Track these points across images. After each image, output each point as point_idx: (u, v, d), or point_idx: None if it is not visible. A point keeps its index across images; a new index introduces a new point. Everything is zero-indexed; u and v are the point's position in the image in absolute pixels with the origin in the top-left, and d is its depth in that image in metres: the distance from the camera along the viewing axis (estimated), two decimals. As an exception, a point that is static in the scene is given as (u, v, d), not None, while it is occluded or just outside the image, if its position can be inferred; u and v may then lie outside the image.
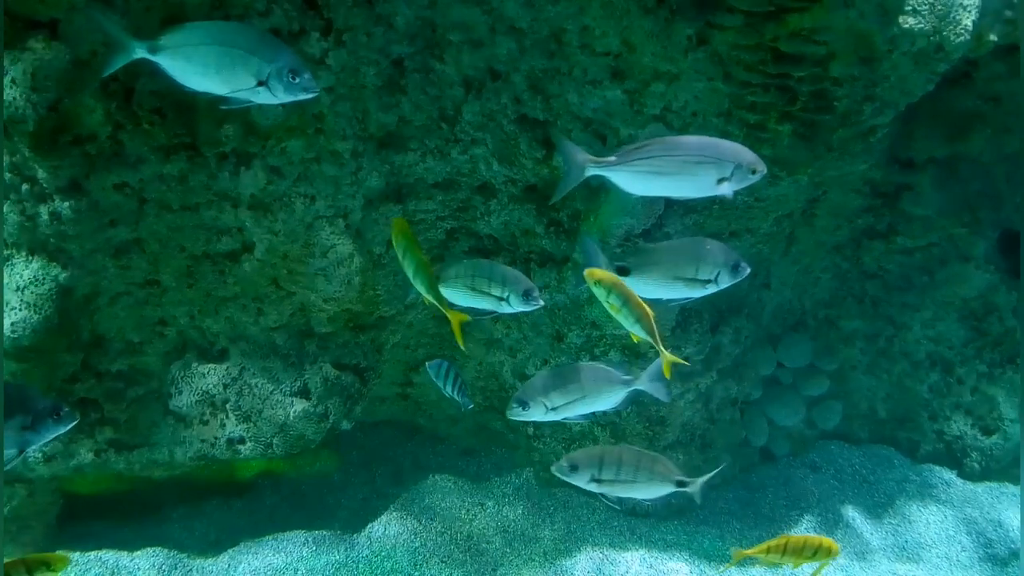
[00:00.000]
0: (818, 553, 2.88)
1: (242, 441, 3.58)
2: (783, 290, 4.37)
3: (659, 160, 2.34)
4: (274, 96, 2.30)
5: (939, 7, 2.53)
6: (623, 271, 2.60)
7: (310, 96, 2.35)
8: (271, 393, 3.59)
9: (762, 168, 2.37)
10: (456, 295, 2.82)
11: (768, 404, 4.37)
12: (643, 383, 2.80)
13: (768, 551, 2.93)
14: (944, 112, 3.59)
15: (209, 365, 3.59)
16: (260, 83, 2.26)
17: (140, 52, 2.29)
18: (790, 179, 3.27)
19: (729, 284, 2.58)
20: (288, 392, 3.60)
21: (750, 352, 4.27)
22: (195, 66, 2.28)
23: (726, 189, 2.35)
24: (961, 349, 4.22)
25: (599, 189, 3.50)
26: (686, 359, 3.81)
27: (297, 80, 2.28)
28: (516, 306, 2.75)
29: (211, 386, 3.58)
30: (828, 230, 4.16)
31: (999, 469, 4.20)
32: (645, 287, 2.56)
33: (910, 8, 2.54)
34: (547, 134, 3.44)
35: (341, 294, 3.50)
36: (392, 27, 3.22)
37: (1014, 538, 3.85)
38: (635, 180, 2.38)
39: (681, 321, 3.75)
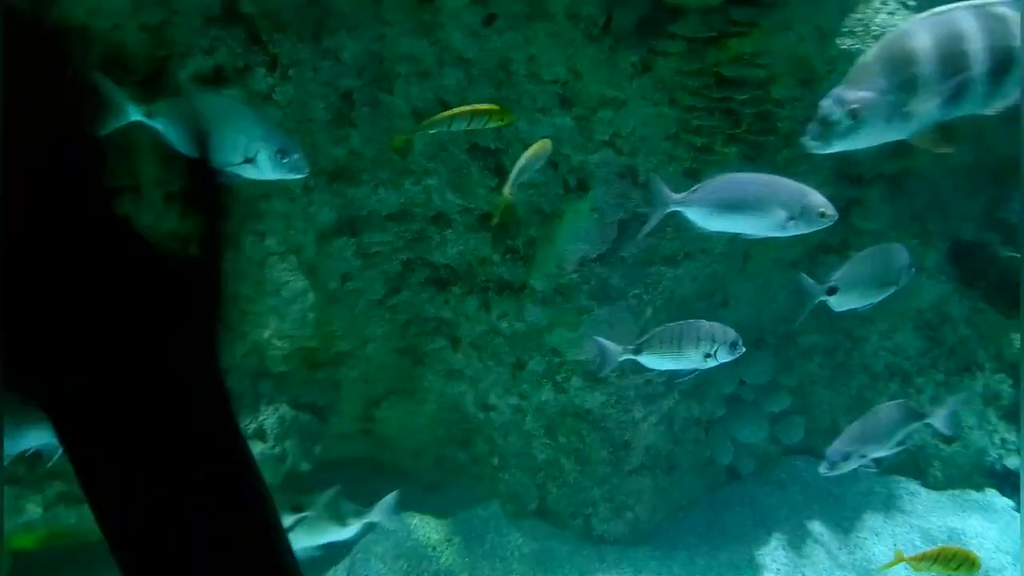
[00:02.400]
0: (962, 566, 2.97)
1: (198, 487, 3.47)
2: (741, 308, 4.38)
3: (732, 195, 2.44)
4: (261, 173, 2.35)
5: (874, 28, 2.59)
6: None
7: (299, 176, 2.42)
8: (227, 436, 3.49)
9: (832, 213, 2.46)
10: (663, 361, 2.95)
11: (732, 422, 4.37)
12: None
13: (923, 559, 3.02)
14: (887, 128, 3.65)
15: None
16: (248, 160, 2.32)
17: (136, 115, 2.33)
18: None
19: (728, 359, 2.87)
20: (244, 434, 3.50)
21: (712, 370, 4.27)
22: (182, 136, 2.28)
23: (793, 229, 2.45)
24: (918, 359, 4.28)
25: (553, 215, 3.50)
26: (647, 381, 3.82)
27: (285, 160, 2.34)
28: (723, 358, 2.90)
29: (164, 432, 3.47)
30: (782, 247, 4.18)
31: (961, 476, 4.25)
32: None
33: (846, 30, 2.59)
34: (499, 162, 3.43)
35: (296, 331, 3.44)
36: (339, 61, 3.20)
37: (978, 545, 3.88)
38: (709, 214, 2.47)
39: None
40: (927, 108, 1.46)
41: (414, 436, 4.22)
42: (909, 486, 4.31)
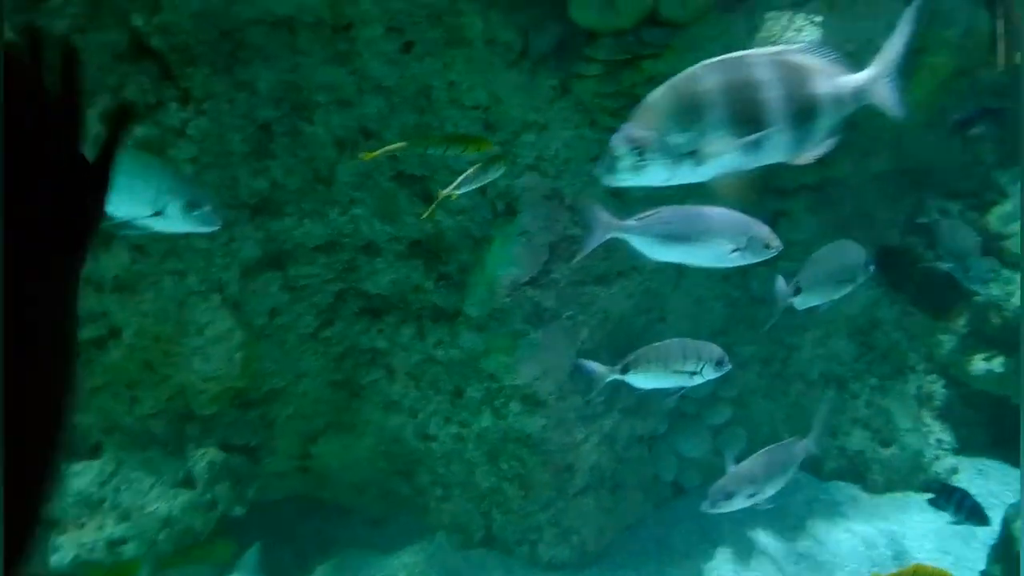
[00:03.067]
0: None
1: (124, 541, 3.32)
2: (679, 322, 4.40)
3: (678, 226, 2.42)
4: (171, 226, 2.30)
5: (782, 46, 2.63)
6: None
7: (210, 229, 2.37)
8: (152, 486, 3.36)
9: (777, 244, 2.48)
10: (650, 380, 2.93)
11: (675, 437, 4.38)
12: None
13: None
14: (807, 140, 3.72)
15: (82, 463, 3.34)
16: (157, 212, 2.26)
17: None
18: (665, 216, 3.30)
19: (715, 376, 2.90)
20: (171, 483, 3.37)
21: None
22: None
23: (740, 260, 2.46)
24: (852, 365, 4.35)
25: (483, 240, 3.47)
26: (587, 402, 3.80)
27: (195, 212, 2.29)
28: (709, 375, 2.91)
29: (86, 485, 3.32)
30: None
31: (900, 479, 4.31)
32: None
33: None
34: (426, 189, 3.39)
35: (222, 372, 3.33)
36: (255, 92, 3.12)
37: (919, 546, 3.94)
38: (654, 244, 2.45)
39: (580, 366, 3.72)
40: (721, 153, 1.47)
41: (355, 471, 4.12)
42: (850, 491, 4.35)
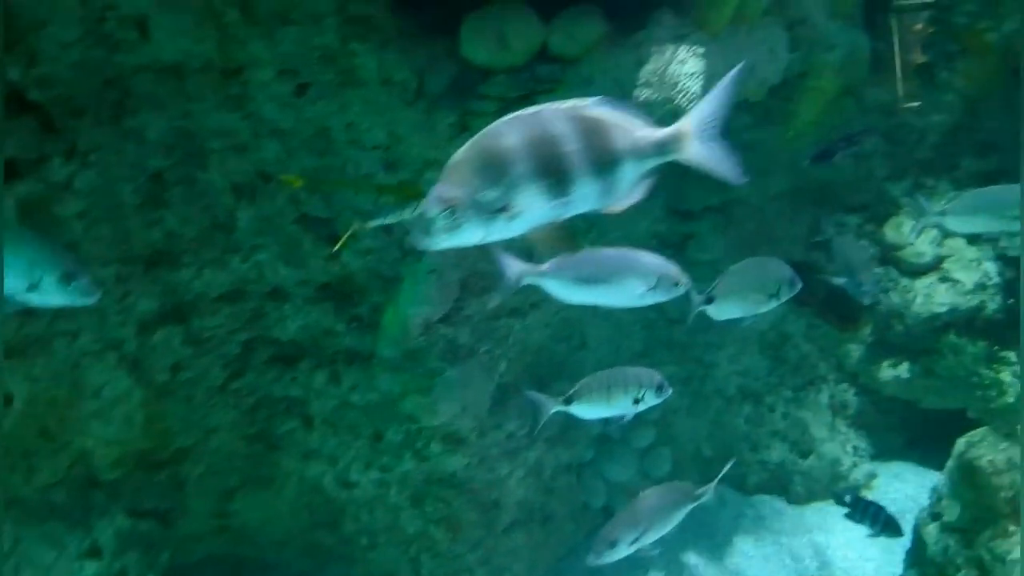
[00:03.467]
0: None
1: (25, 622, 3.11)
2: (600, 347, 4.43)
3: (589, 270, 2.48)
4: (46, 299, 2.21)
5: (668, 78, 2.69)
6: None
7: (88, 301, 2.26)
8: (55, 561, 3.15)
9: (685, 281, 2.57)
10: (594, 410, 2.93)
11: (601, 463, 4.38)
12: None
13: None
14: (708, 164, 3.81)
15: (-26, 541, 3.12)
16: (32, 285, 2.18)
17: None
18: (572, 247, 3.32)
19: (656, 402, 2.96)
20: (75, 556, 3.18)
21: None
22: None
23: (652, 298, 2.53)
24: (766, 379, 4.45)
25: (393, 280, 3.42)
26: (508, 436, 3.77)
27: (72, 285, 2.21)
28: (651, 401, 2.93)
29: (-21, 565, 3.10)
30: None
31: (821, 488, 4.41)
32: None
33: (643, 81, 2.68)
34: (332, 231, 3.33)
35: (122, 434, 3.17)
36: (145, 141, 3.02)
37: (843, 556, 4.03)
38: (567, 288, 2.49)
39: (498, 398, 3.69)
40: (532, 207, 1.51)
41: (276, 525, 3.97)
42: (775, 504, 4.43)
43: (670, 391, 3.00)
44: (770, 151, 3.82)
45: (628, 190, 1.62)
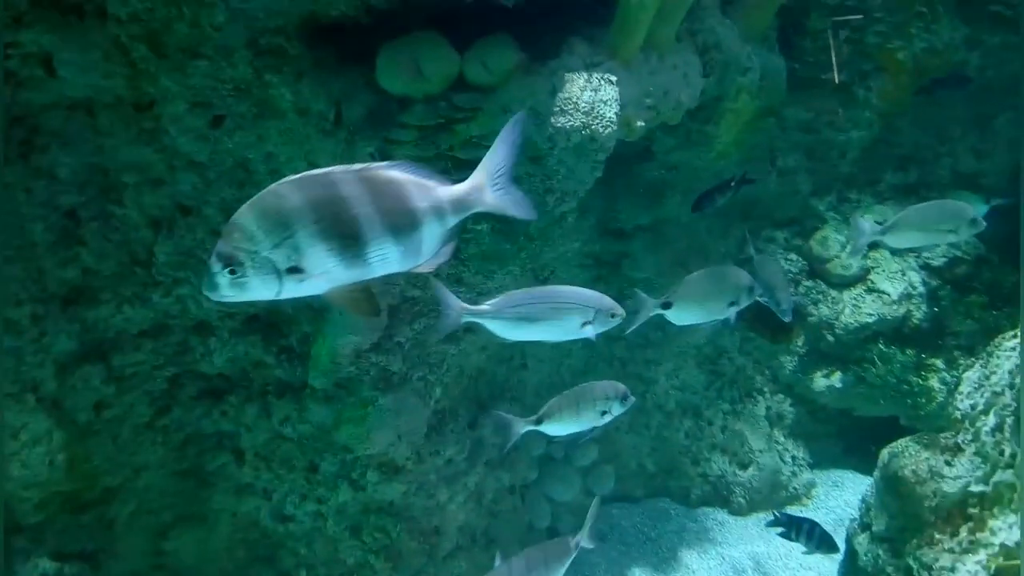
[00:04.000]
0: None
1: None
2: (540, 367, 4.44)
3: (529, 308, 2.56)
4: None
5: (583, 105, 2.71)
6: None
7: None
8: (-28, 611, 3.05)
9: (620, 312, 2.68)
10: (564, 427, 3.00)
11: (545, 483, 4.38)
12: None
13: None
14: (637, 184, 3.86)
15: None
16: None
17: None
18: (503, 271, 3.33)
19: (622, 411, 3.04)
20: (-5, 604, 3.08)
21: (526, 435, 4.28)
22: None
23: (589, 331, 2.63)
24: (704, 393, 4.49)
25: (322, 310, 3.38)
26: (448, 461, 3.75)
27: None
28: (617, 411, 3.01)
29: None
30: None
31: (761, 499, 4.46)
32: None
33: (558, 109, 2.70)
34: (256, 262, 3.28)
35: (44, 477, 3.09)
36: (56, 178, 2.95)
37: (784, 565, 4.08)
38: (508, 326, 2.57)
39: (435, 424, 3.67)
40: (325, 268, 1.51)
41: (213, 563, 3.88)
42: (717, 516, 4.47)
43: (634, 399, 3.09)
44: (695, 171, 3.87)
45: (433, 249, 1.62)
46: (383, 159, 2.95)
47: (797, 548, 4.17)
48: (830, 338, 4.31)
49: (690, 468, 4.51)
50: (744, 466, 4.45)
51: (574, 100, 2.69)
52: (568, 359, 4.55)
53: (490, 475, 4.02)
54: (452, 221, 1.63)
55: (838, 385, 4.39)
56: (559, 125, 2.71)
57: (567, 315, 2.62)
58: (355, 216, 1.50)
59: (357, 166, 1.54)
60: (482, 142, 2.81)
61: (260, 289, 1.52)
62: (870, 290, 4.24)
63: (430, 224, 1.59)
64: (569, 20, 2.98)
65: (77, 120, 2.89)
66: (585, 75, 2.72)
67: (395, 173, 1.57)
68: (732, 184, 3.37)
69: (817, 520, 3.70)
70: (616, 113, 2.74)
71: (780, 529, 3.62)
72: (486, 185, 1.65)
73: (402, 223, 1.55)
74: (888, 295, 4.20)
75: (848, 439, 4.73)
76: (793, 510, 4.49)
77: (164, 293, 3.24)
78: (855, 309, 4.22)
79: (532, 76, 2.75)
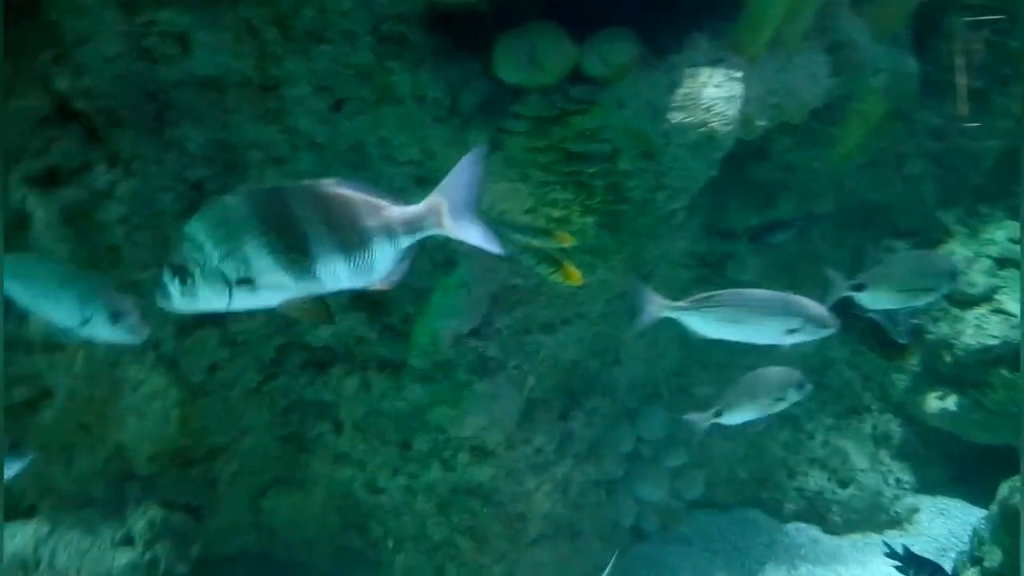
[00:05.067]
0: None
1: (60, 606, 3.25)
2: (634, 364, 4.38)
3: (733, 309, 2.57)
4: (97, 335, 2.33)
5: (703, 101, 2.64)
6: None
7: (135, 341, 2.38)
8: (90, 547, 3.29)
9: (833, 324, 2.62)
10: (741, 415, 3.06)
11: (632, 481, 4.33)
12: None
13: None
14: (750, 184, 3.73)
15: (17, 525, 3.27)
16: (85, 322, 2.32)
17: None
18: (605, 265, 3.30)
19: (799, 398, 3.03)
20: (109, 543, 3.30)
21: (609, 430, 4.25)
22: (25, 293, 2.37)
23: (794, 340, 2.62)
24: (806, 404, 4.32)
25: (425, 292, 3.44)
26: (537, 451, 3.76)
27: (120, 323, 2.32)
28: (793, 398, 3.00)
29: (20, 547, 3.25)
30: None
31: (860, 520, 4.28)
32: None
33: (676, 105, 2.63)
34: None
35: (158, 431, 3.28)
36: (186, 152, 3.11)
37: (877, 590, 3.90)
38: (707, 324, 2.59)
39: (527, 412, 3.69)
40: (276, 282, 1.52)
41: (306, 525, 4.05)
42: (811, 533, 4.32)
43: (810, 386, 3.06)
44: (813, 173, 3.71)
45: (385, 268, 1.63)
46: (494, 149, 2.99)
47: (894, 573, 3.99)
48: (948, 359, 4.07)
49: (785, 481, 4.37)
50: (844, 484, 4.26)
51: (694, 96, 2.62)
52: (663, 360, 4.47)
53: (577, 468, 4.01)
54: (405, 242, 1.63)
55: (953, 408, 4.13)
56: (676, 121, 2.65)
57: (772, 320, 2.58)
58: (304, 232, 1.51)
59: (307, 182, 1.57)
60: (595, 136, 2.78)
61: (210, 299, 1.55)
62: (996, 311, 3.96)
63: (380, 243, 1.60)
64: (693, 15, 2.90)
65: (207, 97, 3.02)
66: (708, 71, 2.65)
67: (346, 191, 1.58)
68: (796, 224, 3.22)
69: (921, 552, 3.50)
70: (737, 111, 2.65)
71: (897, 563, 3.39)
72: (445, 210, 1.64)
73: (351, 241, 1.56)
74: (1015, 317, 3.92)
75: (958, 466, 4.46)
76: (893, 535, 4.29)
77: (278, 266, 3.37)
78: (978, 330, 3.96)
79: (650, 70, 2.69)
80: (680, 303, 2.56)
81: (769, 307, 2.57)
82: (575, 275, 2.68)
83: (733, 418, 3.02)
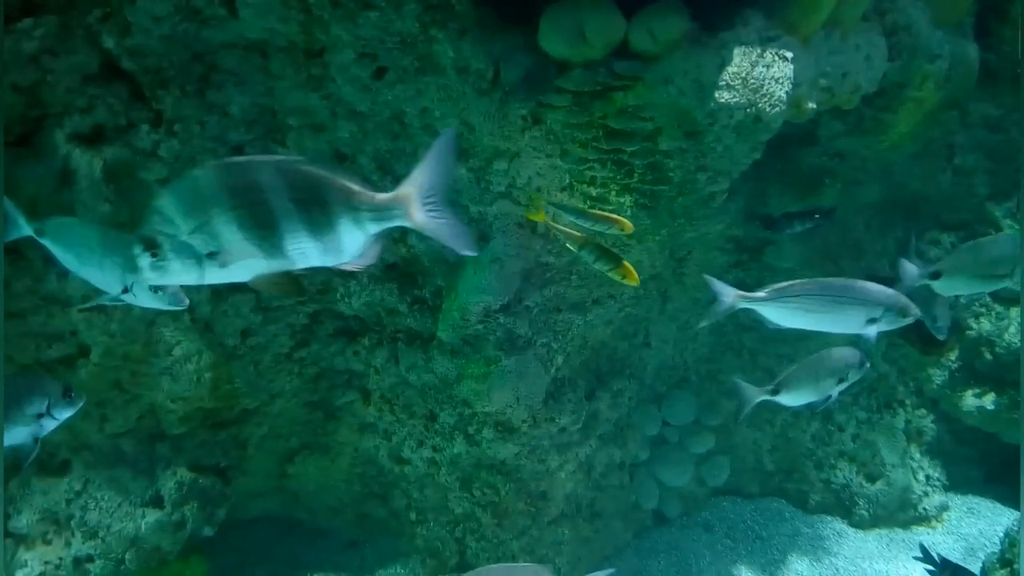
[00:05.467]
0: None
1: (91, 559, 3.31)
2: (664, 348, 4.35)
3: (811, 299, 2.56)
4: (139, 302, 2.42)
5: (752, 81, 2.56)
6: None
7: (177, 308, 2.46)
8: (120, 505, 3.35)
9: (915, 312, 2.58)
10: (800, 396, 3.02)
11: (656, 465, 4.31)
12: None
13: None
14: (793, 170, 3.65)
15: (50, 480, 3.34)
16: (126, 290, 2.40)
17: (27, 231, 2.45)
18: (641, 246, 3.25)
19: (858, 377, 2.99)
20: (139, 502, 3.37)
21: (635, 412, 4.22)
22: (70, 256, 2.45)
23: (873, 330, 2.59)
24: (838, 396, 4.25)
25: (457, 266, 3.43)
26: (562, 430, 3.75)
27: (160, 292, 2.40)
28: (854, 378, 2.96)
29: (53, 503, 3.32)
30: (700, 287, 4.16)
31: (887, 516, 4.22)
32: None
33: (724, 83, 2.56)
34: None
35: (190, 393, 3.32)
36: (227, 115, 3.11)
37: (901, 587, 3.86)
38: (785, 314, 2.60)
39: (553, 391, 3.67)
40: (242, 255, 1.52)
41: (331, 492, 4.10)
42: (836, 526, 4.27)
43: (868, 365, 3.01)
44: (862, 160, 3.62)
45: (355, 251, 1.61)
46: (535, 123, 2.95)
47: (919, 570, 3.93)
48: (988, 356, 3.97)
49: (812, 472, 4.32)
50: (873, 479, 4.20)
51: (743, 75, 2.55)
52: (693, 343, 4.42)
53: (602, 449, 4.00)
54: (372, 228, 1.62)
55: (990, 407, 4.05)
56: (723, 100, 2.58)
57: (851, 310, 2.55)
58: (272, 208, 1.51)
59: (278, 157, 1.56)
60: (638, 113, 2.73)
61: (181, 273, 1.56)
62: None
63: (347, 226, 1.58)
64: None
65: (252, 61, 3.02)
66: (758, 49, 2.58)
67: (317, 170, 1.56)
68: (817, 216, 3.15)
69: (949, 550, 3.43)
70: (787, 92, 2.58)
71: (930, 568, 3.32)
72: (415, 200, 1.61)
73: (319, 221, 1.55)
74: (1063, 318, 3.81)
75: (991, 465, 4.38)
76: (920, 531, 4.23)
77: (313, 234, 3.37)
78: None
79: (700, 47, 2.63)
80: (756, 294, 2.55)
81: (850, 296, 2.53)
82: (633, 275, 2.64)
83: (789, 399, 2.98)
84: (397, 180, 3.21)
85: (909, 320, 2.56)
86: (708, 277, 2.62)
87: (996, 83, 3.74)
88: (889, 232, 4.08)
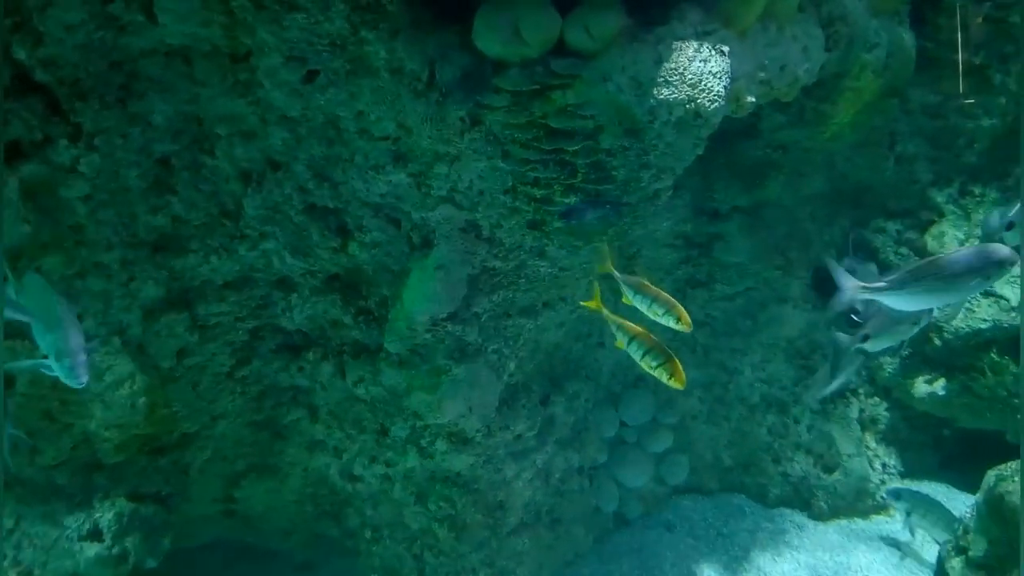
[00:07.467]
0: None
1: (25, 599, 3.14)
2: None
3: (931, 281, 2.56)
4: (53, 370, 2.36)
5: (690, 76, 2.51)
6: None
7: (75, 384, 2.35)
8: (56, 540, 3.17)
9: (1015, 259, 2.57)
10: (884, 343, 3.17)
11: (615, 466, 4.26)
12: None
13: None
14: (738, 163, 3.64)
15: (-23, 518, 3.15)
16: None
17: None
18: (589, 247, 3.19)
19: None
20: (76, 536, 3.19)
21: (591, 415, 4.17)
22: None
23: (982, 285, 2.64)
24: (792, 389, 4.26)
25: (401, 274, 3.33)
26: (517, 437, 3.67)
27: (62, 362, 2.32)
28: (925, 321, 3.24)
29: (-19, 541, 3.13)
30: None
31: (845, 506, 4.23)
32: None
33: (662, 79, 2.51)
34: (340, 222, 3.25)
35: (125, 419, 3.16)
36: (151, 125, 2.97)
37: (864, 577, 3.86)
38: (908, 301, 2.61)
39: (507, 398, 3.59)
40: None
41: (281, 514, 3.95)
42: (795, 519, 4.27)
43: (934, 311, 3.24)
44: (805, 152, 3.61)
45: None
46: (473, 124, 2.86)
47: (880, 561, 3.95)
48: (937, 342, 4.01)
49: (770, 466, 4.31)
50: (830, 469, 4.21)
51: (680, 71, 2.50)
52: (649, 342, 4.38)
53: (559, 454, 3.93)
54: None
55: (941, 393, 4.08)
56: (662, 97, 2.53)
57: (968, 277, 2.55)
58: None
59: None
60: (577, 111, 2.66)
61: None
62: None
63: None
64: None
65: (174, 68, 2.88)
66: (695, 44, 2.53)
67: None
68: (607, 205, 3.14)
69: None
70: (725, 87, 2.54)
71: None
72: None
73: None
74: (1007, 300, 3.85)
75: (945, 451, 4.43)
76: (879, 520, 4.25)
77: (250, 246, 3.24)
78: (968, 313, 3.89)
79: (637, 43, 2.57)
80: (877, 284, 2.55)
81: (966, 267, 2.54)
82: (681, 376, 2.55)
83: (878, 344, 3.11)
84: (335, 188, 3.14)
85: (1007, 270, 2.58)
86: (831, 262, 2.61)
87: (933, 70, 3.77)
88: (835, 222, 4.10)
